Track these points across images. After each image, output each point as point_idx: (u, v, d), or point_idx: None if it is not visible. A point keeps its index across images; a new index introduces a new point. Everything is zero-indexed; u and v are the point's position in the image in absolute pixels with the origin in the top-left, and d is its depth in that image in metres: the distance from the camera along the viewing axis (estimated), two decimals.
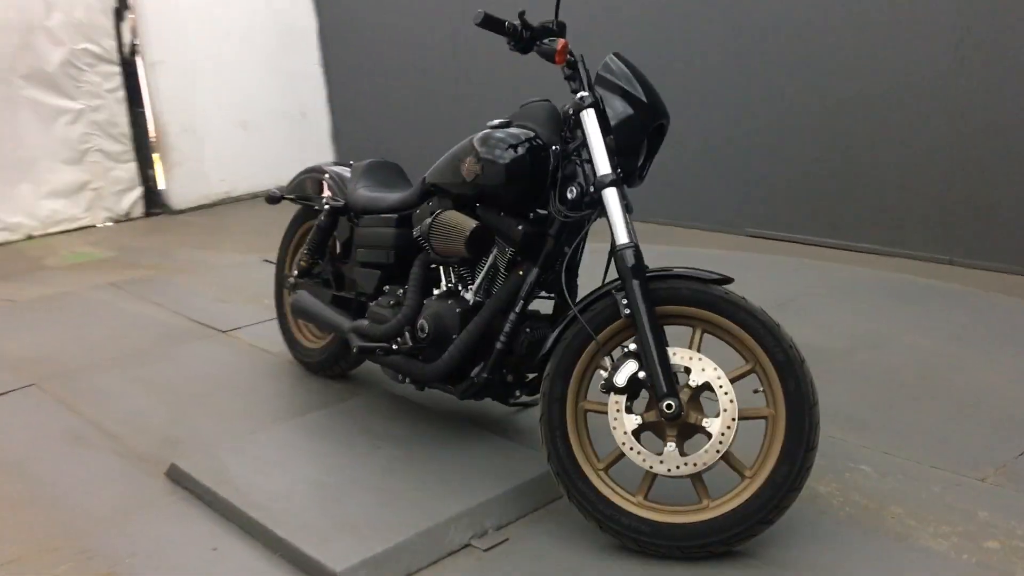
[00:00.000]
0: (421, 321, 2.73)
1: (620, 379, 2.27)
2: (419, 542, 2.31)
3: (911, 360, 3.36)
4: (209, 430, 3.10)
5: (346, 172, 3.31)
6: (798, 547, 2.26)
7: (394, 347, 2.75)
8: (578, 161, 2.47)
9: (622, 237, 2.32)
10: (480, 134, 2.61)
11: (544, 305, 2.66)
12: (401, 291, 2.92)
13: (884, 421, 2.91)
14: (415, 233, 2.84)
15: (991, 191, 4.51)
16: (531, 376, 2.74)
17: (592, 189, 2.38)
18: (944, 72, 4.55)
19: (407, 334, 2.77)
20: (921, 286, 4.26)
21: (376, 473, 2.64)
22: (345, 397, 3.27)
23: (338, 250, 3.27)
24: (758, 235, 5.55)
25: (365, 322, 2.93)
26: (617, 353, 2.35)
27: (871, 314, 3.89)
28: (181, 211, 7.37)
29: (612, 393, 2.29)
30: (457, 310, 2.66)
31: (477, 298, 2.67)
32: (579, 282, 2.63)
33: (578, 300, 2.40)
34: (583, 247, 2.61)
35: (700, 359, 2.27)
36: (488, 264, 2.65)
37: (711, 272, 2.34)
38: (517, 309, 2.56)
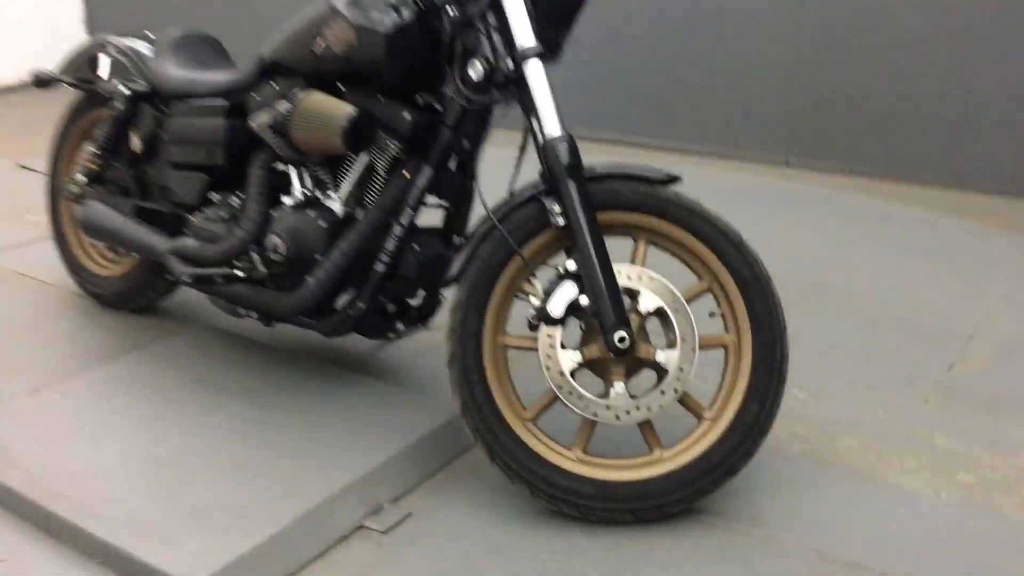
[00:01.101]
0: (272, 239, 2.11)
1: (556, 307, 1.80)
2: (298, 531, 1.75)
3: (800, 267, 3.11)
4: None
5: (146, 47, 2.55)
6: (763, 496, 1.91)
7: (240, 274, 2.10)
8: (483, 30, 1.91)
9: (552, 126, 1.82)
10: None
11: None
12: (237, 200, 2.26)
13: (795, 336, 2.60)
14: (254, 124, 2.18)
15: (831, 90, 4.39)
16: (415, 304, 2.21)
17: (510, 65, 1.85)
18: None
19: (253, 256, 2.14)
20: (773, 188, 4.07)
21: (225, 439, 2.03)
22: (159, 337, 2.57)
23: (139, 148, 2.52)
24: (586, 137, 5.20)
25: (190, 241, 2.26)
26: (543, 276, 1.87)
27: (738, 218, 3.60)
28: None
29: (545, 325, 1.81)
30: (322, 224, 2.06)
31: (346, 208, 2.08)
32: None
33: (494, 207, 1.88)
34: (484, 142, 2.08)
35: (651, 278, 1.83)
36: (361, 164, 2.06)
37: (655, 169, 1.90)
38: (404, 221, 2.00)
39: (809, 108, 4.49)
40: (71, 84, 2.64)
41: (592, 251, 1.78)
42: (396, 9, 1.93)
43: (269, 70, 2.20)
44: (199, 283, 2.17)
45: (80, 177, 2.59)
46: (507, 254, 1.85)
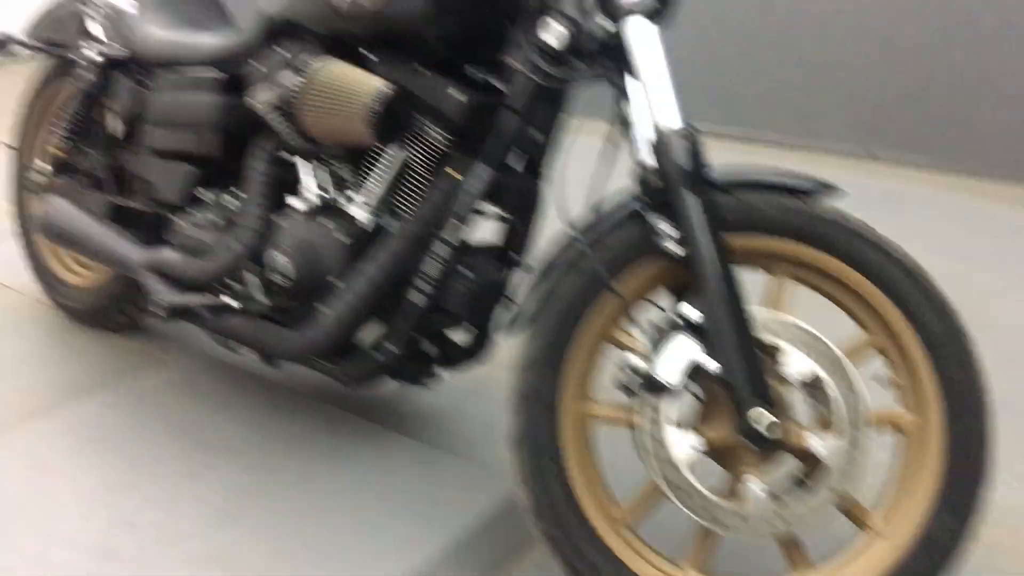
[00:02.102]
0: (275, 255, 1.59)
1: (670, 372, 1.26)
2: None
3: None
4: None
5: (130, 4, 2.03)
6: None
7: (233, 303, 1.58)
8: None
9: (667, 114, 1.28)
10: None
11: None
12: (231, 200, 1.75)
13: None
14: (255, 102, 1.67)
15: (924, 77, 3.84)
16: (463, 342, 1.69)
17: (605, 24, 1.31)
18: None
19: (249, 278, 1.62)
20: (863, 186, 3.51)
21: (204, 524, 1.52)
22: (139, 366, 2.06)
23: (117, 130, 2.00)
24: None
25: (171, 253, 1.75)
26: (644, 320, 1.34)
27: None
28: None
29: (647, 393, 1.28)
30: (342, 238, 1.54)
31: (374, 217, 1.56)
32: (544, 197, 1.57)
33: (582, 226, 1.35)
34: (559, 133, 1.55)
35: (800, 329, 1.29)
36: (395, 159, 1.53)
37: (801, 176, 1.36)
38: (450, 237, 1.47)
39: (898, 94, 3.93)
40: (36, 48, 2.13)
41: (722, 293, 1.24)
42: None
43: (275, 32, 1.68)
44: (177, 315, 1.64)
45: (42, 165, 2.08)
46: (597, 291, 1.32)
